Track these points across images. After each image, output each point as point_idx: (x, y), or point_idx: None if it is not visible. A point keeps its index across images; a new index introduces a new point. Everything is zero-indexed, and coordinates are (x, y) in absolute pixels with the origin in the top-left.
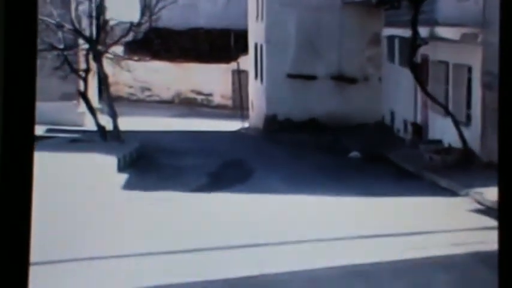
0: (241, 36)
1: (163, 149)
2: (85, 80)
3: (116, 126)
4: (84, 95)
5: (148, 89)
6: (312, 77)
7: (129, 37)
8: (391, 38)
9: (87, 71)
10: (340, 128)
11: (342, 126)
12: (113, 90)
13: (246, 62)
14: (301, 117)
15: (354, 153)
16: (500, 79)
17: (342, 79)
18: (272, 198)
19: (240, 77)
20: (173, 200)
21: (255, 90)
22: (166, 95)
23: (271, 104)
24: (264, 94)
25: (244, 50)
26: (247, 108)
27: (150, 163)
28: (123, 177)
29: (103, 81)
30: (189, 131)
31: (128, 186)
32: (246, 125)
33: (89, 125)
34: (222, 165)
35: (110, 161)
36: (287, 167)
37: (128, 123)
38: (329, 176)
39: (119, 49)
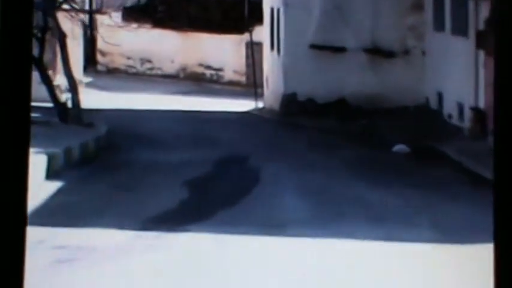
0: (257, 5)
1: (145, 136)
2: (41, 42)
3: (76, 104)
4: (38, 61)
5: (149, 61)
6: (340, 49)
7: (129, 2)
8: (439, 0)
9: (44, 29)
10: (374, 111)
11: (376, 110)
12: (108, 60)
13: (261, 33)
14: (327, 98)
15: (400, 147)
16: (496, 77)
17: (376, 52)
18: (280, 246)
19: (253, 49)
20: (95, 251)
21: (271, 64)
22: (170, 68)
23: (290, 81)
24: (281, 68)
25: (260, 19)
26: (262, 86)
27: (112, 159)
28: (51, 187)
29: (61, 43)
30: (191, 111)
31: (47, 210)
32: (260, 105)
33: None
34: (217, 164)
35: (36, 160)
36: (309, 168)
37: (119, 100)
38: (373, 189)
39: (115, 15)
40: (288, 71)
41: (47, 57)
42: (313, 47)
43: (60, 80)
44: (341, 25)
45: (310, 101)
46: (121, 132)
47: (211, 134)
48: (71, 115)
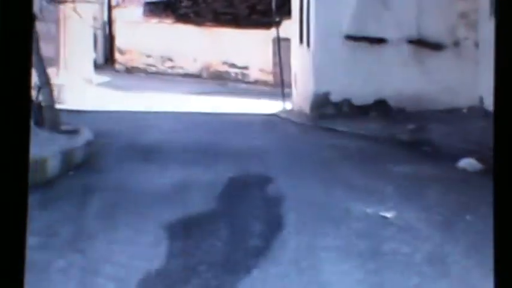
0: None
1: (146, 147)
2: None
3: (49, 105)
4: None
5: (170, 60)
6: (379, 40)
7: None
8: None
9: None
10: (420, 114)
11: (423, 112)
12: (127, 59)
13: (290, 28)
14: (365, 98)
15: (467, 162)
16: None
17: (422, 44)
18: None
19: (279, 45)
20: None
21: (300, 59)
22: (192, 67)
23: (322, 78)
24: (311, 64)
25: (288, 13)
26: (290, 86)
27: (78, 183)
28: None
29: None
30: (211, 113)
31: None
32: (288, 106)
33: (69, 102)
34: (226, 192)
35: None
36: (358, 199)
37: (134, 101)
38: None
39: (137, 11)
40: (319, 67)
41: (49, 53)
42: (349, 38)
43: (61, 78)
44: (381, 12)
45: (346, 102)
46: (117, 141)
47: (229, 142)
48: (47, 118)
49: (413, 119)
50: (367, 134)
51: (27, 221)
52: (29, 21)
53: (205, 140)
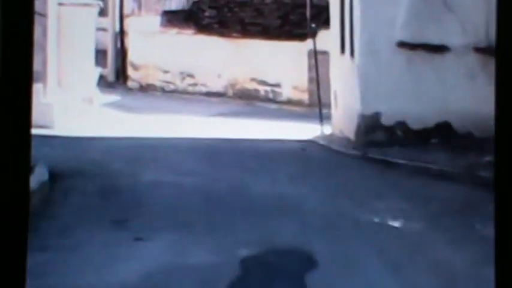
0: (321, 7)
1: (119, 197)
2: None
3: None
4: None
5: (191, 76)
6: (440, 48)
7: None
8: None
9: None
10: (493, 140)
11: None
12: (141, 75)
13: (328, 39)
14: (424, 120)
15: None
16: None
17: (492, 52)
18: None
19: (317, 59)
20: None
21: (341, 73)
22: (216, 84)
23: (370, 96)
24: (356, 78)
25: (326, 23)
26: (329, 105)
27: None
28: None
29: None
30: (233, 140)
31: None
32: (327, 130)
33: (61, 126)
34: None
35: None
36: None
37: (144, 124)
38: None
39: (153, 20)
40: (366, 81)
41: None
42: (402, 45)
43: (49, 96)
44: (442, 14)
45: (400, 126)
46: (89, 184)
47: (250, 189)
48: None
49: (486, 147)
50: (434, 169)
51: (28, 220)
52: (30, 21)
53: (216, 185)
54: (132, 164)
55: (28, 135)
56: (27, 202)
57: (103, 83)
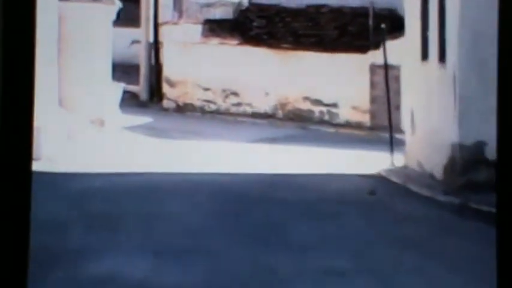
0: (386, 14)
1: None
2: None
3: None
4: None
5: (235, 94)
6: None
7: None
8: None
9: None
10: None
11: None
12: (178, 93)
13: (396, 51)
14: None
15: None
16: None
17: None
18: None
19: (387, 72)
20: None
21: (422, 86)
22: (264, 104)
23: (472, 119)
24: (450, 92)
25: (391, 32)
26: (400, 130)
27: None
28: None
29: None
30: (277, 175)
31: None
32: (399, 161)
33: (51, 158)
34: None
35: None
36: None
37: (167, 154)
38: None
39: (192, 29)
40: (467, 98)
41: None
42: None
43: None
44: None
45: None
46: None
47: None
48: None
49: None
50: None
51: (30, 215)
52: (32, 22)
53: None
54: (116, 234)
55: (30, 135)
56: (29, 201)
57: (135, 102)
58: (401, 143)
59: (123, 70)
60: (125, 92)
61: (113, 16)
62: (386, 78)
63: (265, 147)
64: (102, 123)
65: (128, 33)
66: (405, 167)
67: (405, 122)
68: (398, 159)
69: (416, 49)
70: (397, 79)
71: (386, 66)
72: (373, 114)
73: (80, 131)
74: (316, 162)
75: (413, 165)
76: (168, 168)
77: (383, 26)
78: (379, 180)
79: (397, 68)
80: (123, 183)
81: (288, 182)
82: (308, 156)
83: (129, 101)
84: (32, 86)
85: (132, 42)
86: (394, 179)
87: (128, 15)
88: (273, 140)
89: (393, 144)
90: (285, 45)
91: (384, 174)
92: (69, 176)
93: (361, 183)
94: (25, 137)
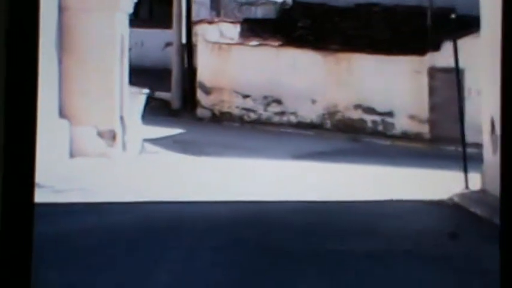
0: (445, 16)
1: None
2: None
3: None
4: None
5: (278, 102)
6: None
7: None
8: None
9: None
10: None
11: None
12: (214, 100)
13: (461, 52)
14: None
15: None
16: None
17: None
18: None
19: (458, 74)
20: None
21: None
22: (310, 112)
23: None
24: None
25: (455, 30)
26: (475, 144)
27: None
28: None
29: None
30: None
31: None
32: (474, 184)
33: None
34: None
35: None
36: None
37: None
38: None
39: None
40: None
41: None
42: None
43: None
44: None
45: None
46: None
47: None
48: None
49: None
50: None
51: (33, 216)
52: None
53: None
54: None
55: (34, 136)
56: (32, 200)
57: (166, 111)
58: (471, 159)
59: (156, 75)
60: (155, 100)
61: (128, 9)
62: (458, 81)
63: (311, 165)
64: (112, 136)
65: (161, 34)
66: (483, 192)
67: (485, 135)
68: (473, 181)
69: (496, 49)
70: (455, 84)
71: (457, 66)
72: (433, 124)
73: (86, 146)
74: (371, 182)
75: (494, 189)
76: (192, 195)
77: (453, 16)
78: (454, 211)
79: (460, 71)
80: (130, 217)
81: (340, 214)
82: (361, 175)
83: (159, 109)
84: (35, 86)
85: (165, 44)
86: (474, 209)
87: (160, 15)
88: (320, 155)
89: (466, 160)
90: (332, 47)
91: (457, 200)
92: (65, 209)
93: (432, 215)
94: (29, 138)
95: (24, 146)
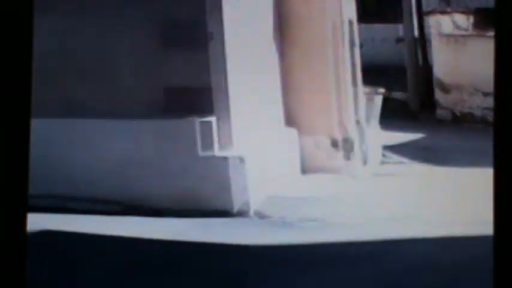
0: None
1: None
2: None
3: None
4: None
5: None
6: None
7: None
8: None
9: None
10: None
11: None
12: (454, 100)
13: None
14: None
15: None
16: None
17: None
18: None
19: None
20: None
21: None
22: None
23: None
24: None
25: None
26: None
27: None
28: None
29: None
30: None
31: None
32: None
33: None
34: None
35: None
36: None
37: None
38: None
39: (462, 19)
40: None
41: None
42: None
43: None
44: None
45: None
46: None
47: None
48: None
49: None
50: None
51: (27, 217)
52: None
53: None
54: None
55: (27, 139)
56: (26, 198)
57: (403, 112)
58: None
59: (386, 73)
60: (390, 100)
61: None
62: None
63: None
64: (350, 146)
65: (390, 29)
66: None
67: None
68: None
69: None
70: None
71: None
72: None
73: (317, 159)
74: None
75: None
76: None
77: None
78: None
79: None
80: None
81: None
82: None
83: (395, 111)
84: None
85: (396, 40)
86: None
87: (388, 9)
88: None
89: None
90: None
91: None
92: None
93: None
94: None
95: (17, 148)
